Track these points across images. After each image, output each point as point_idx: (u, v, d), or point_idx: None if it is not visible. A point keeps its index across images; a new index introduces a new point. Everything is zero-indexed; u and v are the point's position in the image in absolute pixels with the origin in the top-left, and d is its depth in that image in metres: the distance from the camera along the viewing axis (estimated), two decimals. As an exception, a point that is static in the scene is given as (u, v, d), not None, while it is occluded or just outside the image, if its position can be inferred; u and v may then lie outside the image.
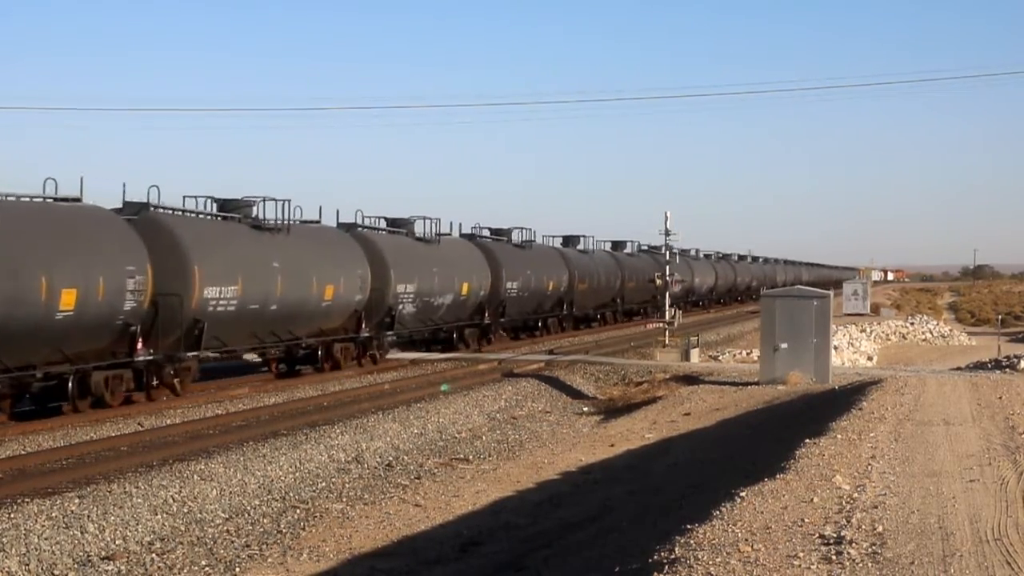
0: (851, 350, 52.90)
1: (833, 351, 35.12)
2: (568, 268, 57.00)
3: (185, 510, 17.75)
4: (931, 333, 69.26)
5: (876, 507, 12.53)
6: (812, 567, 10.05)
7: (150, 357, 26.87)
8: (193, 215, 30.53)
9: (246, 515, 18.22)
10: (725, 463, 20.04)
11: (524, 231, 53.88)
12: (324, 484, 20.81)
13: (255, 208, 32.62)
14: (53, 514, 16.06)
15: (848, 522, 11.72)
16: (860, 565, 10.08)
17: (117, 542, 16.01)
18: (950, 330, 72.14)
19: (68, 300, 23.81)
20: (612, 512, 17.78)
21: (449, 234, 46.88)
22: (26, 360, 23.81)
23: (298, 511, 18.68)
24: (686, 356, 39.05)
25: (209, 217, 31.30)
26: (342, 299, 35.17)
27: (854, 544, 10.76)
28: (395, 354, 40.99)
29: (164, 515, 17.32)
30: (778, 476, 14.67)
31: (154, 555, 15.82)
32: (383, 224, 41.59)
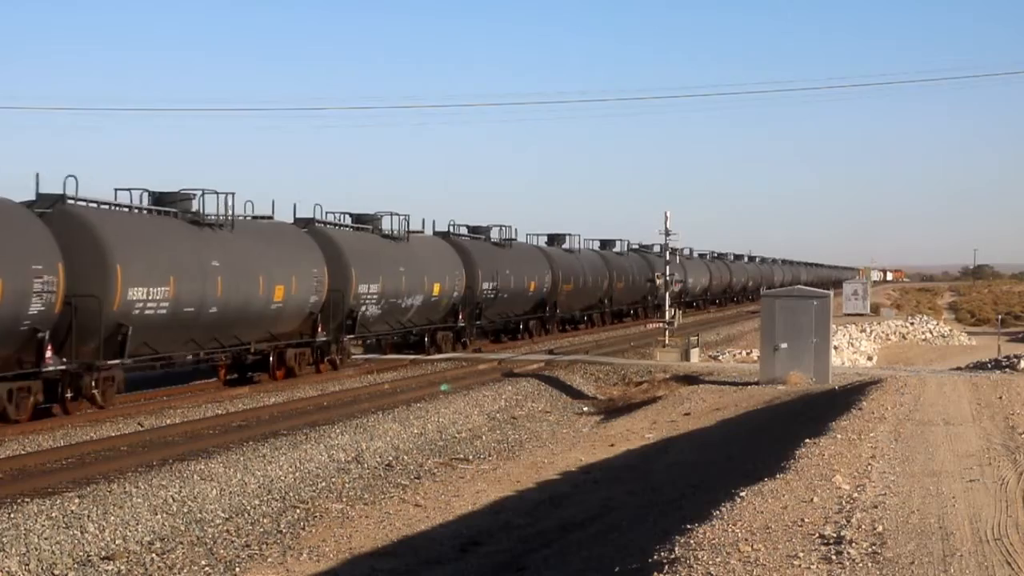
0: (851, 350, 53.01)
1: (833, 351, 35.13)
2: (552, 268, 54.19)
3: (185, 510, 17.74)
4: (931, 333, 69.32)
5: (876, 507, 12.54)
6: (812, 567, 10.06)
7: (63, 367, 23.96)
8: (120, 208, 27.63)
9: (246, 515, 18.21)
10: (725, 463, 20.07)
11: (504, 228, 50.11)
12: (324, 484, 20.81)
13: (194, 202, 29.35)
14: (53, 514, 16.06)
15: (848, 522, 11.72)
16: (860, 565, 10.09)
17: (117, 542, 16.00)
18: (950, 330, 72.18)
19: (-39, 303, 21.02)
20: (612, 512, 17.79)
21: (420, 231, 43.88)
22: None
23: (298, 511, 18.68)
24: (686, 356, 39.05)
25: (139, 211, 28.29)
26: (294, 301, 32.36)
27: (854, 544, 10.76)
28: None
29: (164, 515, 17.32)
30: (778, 476, 14.68)
31: (154, 555, 15.82)
32: (348, 220, 38.83)
